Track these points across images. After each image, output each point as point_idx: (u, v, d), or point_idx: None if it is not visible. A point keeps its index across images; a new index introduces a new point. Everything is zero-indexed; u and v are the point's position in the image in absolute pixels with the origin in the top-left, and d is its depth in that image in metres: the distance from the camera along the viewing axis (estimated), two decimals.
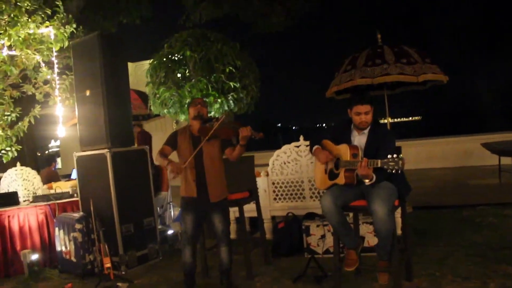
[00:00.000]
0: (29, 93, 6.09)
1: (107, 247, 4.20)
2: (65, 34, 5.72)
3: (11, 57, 5.64)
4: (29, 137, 8.70)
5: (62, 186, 5.82)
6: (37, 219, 4.83)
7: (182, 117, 6.19)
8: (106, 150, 4.49)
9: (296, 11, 11.67)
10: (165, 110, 6.21)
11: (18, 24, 5.38)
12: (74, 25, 5.86)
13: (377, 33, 6.01)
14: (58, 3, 5.85)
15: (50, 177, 7.09)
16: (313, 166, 4.19)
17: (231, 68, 5.82)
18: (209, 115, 5.83)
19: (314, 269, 3.71)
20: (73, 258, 4.44)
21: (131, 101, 5.24)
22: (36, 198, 5.18)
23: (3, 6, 5.32)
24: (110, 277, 4.06)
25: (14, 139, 5.89)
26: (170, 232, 5.30)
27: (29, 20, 5.50)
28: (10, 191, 6.01)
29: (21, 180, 6.43)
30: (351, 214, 3.82)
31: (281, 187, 5.00)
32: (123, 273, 4.33)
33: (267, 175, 5.03)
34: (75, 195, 5.17)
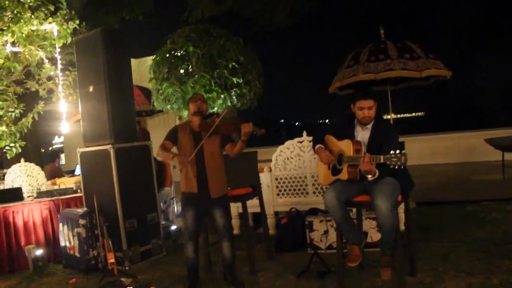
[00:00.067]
0: (33, 89, 6.12)
1: (110, 242, 4.21)
2: (68, 30, 5.72)
3: (15, 54, 5.67)
4: (33, 133, 8.75)
5: (66, 182, 5.85)
6: (41, 215, 4.86)
7: (185, 113, 6.20)
8: (110, 146, 4.50)
9: (297, 11, 11.70)
10: (168, 106, 6.22)
11: (21, 20, 5.38)
12: (77, 21, 5.86)
13: (380, 28, 5.97)
14: None
15: (54, 173, 7.13)
16: (316, 162, 4.19)
17: (234, 63, 5.82)
18: (212, 110, 5.85)
19: (317, 265, 3.71)
20: (77, 254, 4.47)
21: (134, 97, 5.25)
22: (40, 194, 5.22)
23: (6, 2, 5.33)
24: (114, 272, 4.07)
25: (18, 135, 5.91)
26: (173, 227, 5.32)
27: (32, 16, 5.51)
28: (14, 187, 6.04)
29: (25, 176, 6.47)
30: (354, 210, 3.81)
31: (284, 182, 5.00)
32: (127, 268, 4.35)
33: (270, 170, 5.03)
34: (79, 190, 5.20)
